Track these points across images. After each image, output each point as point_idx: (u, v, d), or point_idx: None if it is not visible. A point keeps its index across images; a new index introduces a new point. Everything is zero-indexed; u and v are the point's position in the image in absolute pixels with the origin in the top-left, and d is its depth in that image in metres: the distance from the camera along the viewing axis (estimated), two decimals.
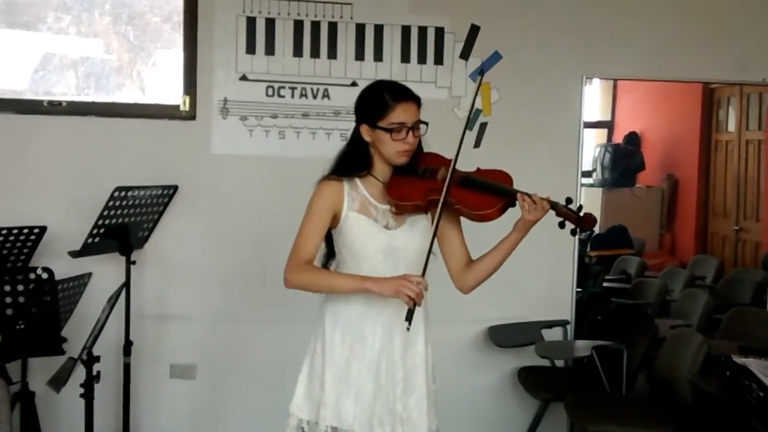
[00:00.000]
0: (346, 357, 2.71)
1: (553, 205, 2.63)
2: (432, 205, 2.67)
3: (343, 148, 2.79)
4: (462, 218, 2.76)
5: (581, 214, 2.61)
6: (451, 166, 2.67)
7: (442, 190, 2.63)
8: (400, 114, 2.64)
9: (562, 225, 2.64)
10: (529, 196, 2.62)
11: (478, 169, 2.78)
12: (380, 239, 2.69)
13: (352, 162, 2.74)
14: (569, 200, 2.65)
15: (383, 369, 2.71)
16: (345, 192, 2.70)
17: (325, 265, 2.84)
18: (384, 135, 2.65)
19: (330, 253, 2.83)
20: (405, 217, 2.73)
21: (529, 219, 2.62)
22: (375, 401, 2.70)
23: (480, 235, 2.84)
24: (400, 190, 2.70)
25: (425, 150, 2.81)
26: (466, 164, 3.27)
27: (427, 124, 2.73)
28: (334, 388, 2.70)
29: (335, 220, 2.71)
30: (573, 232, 2.64)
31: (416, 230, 2.73)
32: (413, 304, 2.53)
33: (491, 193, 2.65)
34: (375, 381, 2.71)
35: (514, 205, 2.65)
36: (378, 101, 2.66)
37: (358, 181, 2.73)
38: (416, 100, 2.70)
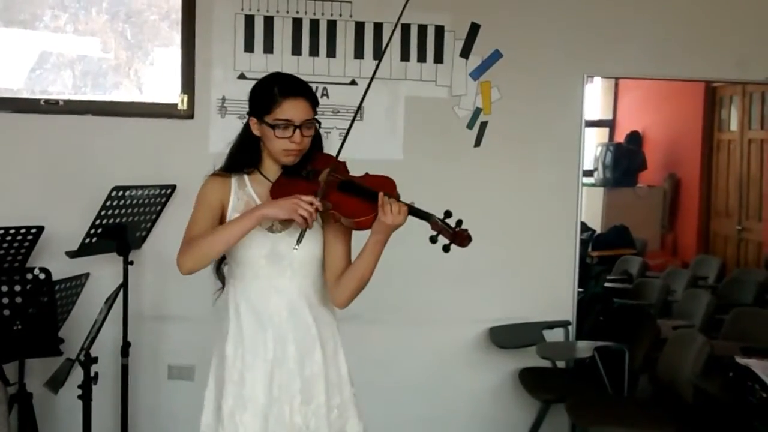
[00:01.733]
0: (239, 370, 2.58)
1: (415, 212, 2.43)
2: None
3: (234, 141, 2.67)
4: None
5: (457, 229, 2.39)
6: (329, 168, 2.51)
7: (318, 194, 2.46)
8: (286, 110, 2.48)
9: (433, 239, 2.41)
10: (389, 199, 2.41)
11: (366, 174, 2.59)
12: (263, 243, 2.54)
13: (241, 157, 2.61)
14: (448, 213, 2.42)
15: (276, 380, 2.57)
16: (232, 189, 2.58)
17: (218, 267, 2.72)
18: (269, 131, 2.50)
19: (222, 257, 2.68)
20: (292, 221, 2.52)
21: (385, 222, 2.40)
22: (269, 414, 2.56)
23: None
24: (282, 191, 2.52)
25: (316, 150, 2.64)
26: (464, 163, 3.30)
27: (319, 123, 2.58)
28: (231, 403, 2.58)
29: (223, 219, 2.58)
30: (445, 248, 2.39)
31: (306, 234, 2.50)
32: (305, 224, 2.39)
33: (369, 199, 2.45)
34: (268, 393, 2.57)
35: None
36: (266, 95, 2.51)
37: (246, 178, 2.60)
38: (309, 97, 2.53)
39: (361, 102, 2.65)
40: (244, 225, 2.46)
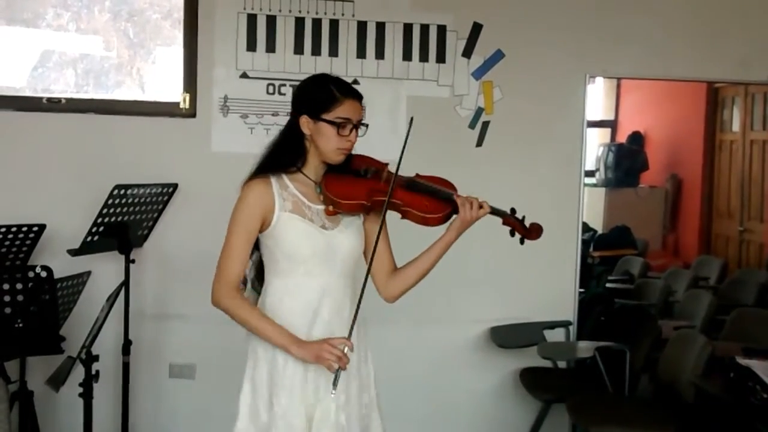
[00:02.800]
0: (290, 376, 2.56)
1: (495, 211, 2.62)
2: (377, 206, 2.57)
3: (276, 139, 2.66)
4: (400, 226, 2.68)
5: (527, 224, 2.63)
6: (396, 167, 2.59)
7: (386, 191, 2.54)
8: (347, 109, 2.54)
9: (513, 233, 2.65)
10: (467, 198, 2.59)
11: (418, 174, 2.68)
12: (318, 240, 2.55)
13: (287, 154, 2.61)
14: (513, 210, 2.66)
15: (323, 382, 2.55)
16: (275, 192, 2.56)
17: (254, 278, 2.72)
18: (328, 129, 2.53)
19: (261, 278, 2.68)
20: (339, 218, 2.59)
21: (466, 218, 2.56)
22: (314, 415, 2.56)
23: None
24: (341, 188, 2.57)
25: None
26: (466, 162, 3.28)
27: (367, 125, 2.63)
28: (284, 407, 2.56)
29: (264, 224, 2.56)
30: (521, 241, 2.64)
31: (352, 231, 2.62)
32: (337, 368, 2.40)
33: (438, 197, 2.61)
34: (316, 395, 2.56)
35: (457, 212, 2.59)
36: (326, 93, 2.55)
37: (286, 178, 2.59)
38: (361, 99, 2.60)
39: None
40: (272, 339, 2.53)
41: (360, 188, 2.58)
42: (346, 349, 2.42)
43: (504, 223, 2.62)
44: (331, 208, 2.58)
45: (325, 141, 2.55)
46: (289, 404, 2.56)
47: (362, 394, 2.68)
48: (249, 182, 2.59)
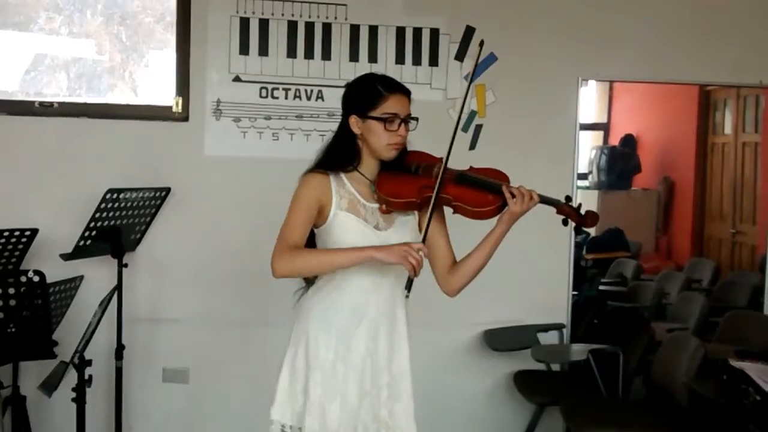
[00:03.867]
0: (332, 361, 2.64)
1: (546, 200, 2.59)
2: (427, 203, 2.59)
3: (330, 140, 2.71)
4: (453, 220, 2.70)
5: (583, 212, 2.59)
6: (444, 162, 2.62)
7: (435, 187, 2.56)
8: (393, 105, 2.59)
9: (565, 222, 2.61)
10: (517, 188, 2.58)
11: (471, 167, 2.73)
12: (372, 241, 2.59)
13: (340, 155, 2.66)
14: (569, 198, 2.61)
15: (368, 373, 2.66)
16: (333, 188, 2.62)
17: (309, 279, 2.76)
18: (376, 125, 2.58)
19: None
20: (393, 217, 2.66)
21: (516, 210, 2.55)
22: (360, 406, 2.65)
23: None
24: (393, 186, 2.62)
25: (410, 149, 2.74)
26: (458, 166, 3.23)
27: (417, 119, 2.66)
28: (319, 393, 2.63)
29: (321, 216, 2.62)
30: (576, 230, 2.68)
31: (407, 231, 2.66)
32: (413, 272, 2.45)
33: (489, 190, 2.60)
34: (360, 385, 2.65)
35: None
36: (371, 91, 2.60)
37: (344, 177, 2.65)
38: (408, 94, 2.65)
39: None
40: (350, 260, 2.54)
41: (411, 186, 2.61)
42: (421, 255, 2.46)
43: (558, 212, 2.60)
44: (384, 207, 2.63)
45: (376, 138, 2.60)
46: (324, 391, 2.63)
47: (394, 401, 2.75)
48: (308, 173, 2.64)
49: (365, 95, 2.61)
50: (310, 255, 2.59)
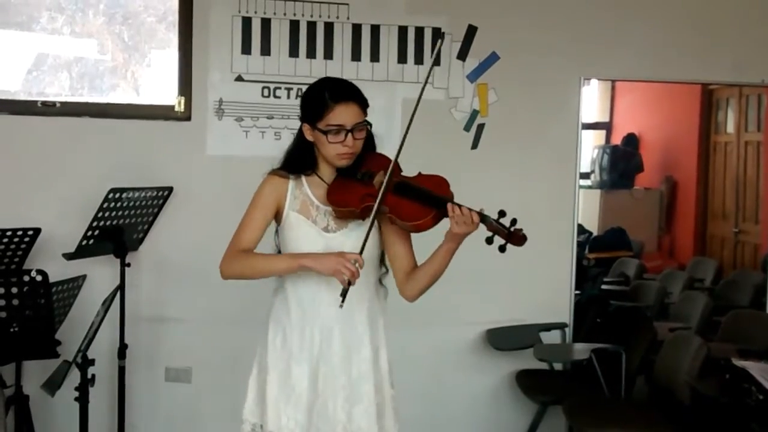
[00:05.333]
0: (286, 361, 2.64)
1: (483, 219, 2.45)
2: (367, 212, 2.54)
3: (290, 145, 2.72)
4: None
5: (512, 228, 2.43)
6: (389, 172, 2.53)
7: (377, 197, 2.50)
8: (338, 116, 2.52)
9: (489, 240, 2.44)
10: (459, 207, 2.46)
11: (420, 173, 2.63)
12: (317, 242, 2.60)
13: (296, 161, 2.66)
14: (502, 213, 2.47)
15: (321, 376, 2.63)
16: (289, 189, 2.64)
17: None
18: (322, 137, 2.55)
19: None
20: (347, 221, 2.62)
21: (457, 232, 2.46)
22: (312, 409, 2.62)
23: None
24: (339, 194, 2.59)
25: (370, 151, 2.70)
26: (461, 165, 3.27)
27: (370, 125, 2.61)
28: (275, 394, 2.64)
29: (278, 217, 2.66)
30: (501, 249, 2.42)
31: (359, 235, 2.58)
32: (347, 283, 2.43)
33: (424, 201, 2.50)
34: (313, 387, 2.63)
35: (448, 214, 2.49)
36: (317, 101, 2.55)
37: (304, 179, 2.66)
38: (358, 101, 2.57)
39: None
40: (286, 267, 2.58)
41: (355, 194, 2.57)
42: (356, 266, 2.45)
43: (488, 229, 2.47)
44: (334, 213, 2.62)
45: (324, 148, 2.58)
46: (280, 392, 2.64)
47: (377, 394, 2.70)
48: (270, 173, 2.67)
49: (312, 105, 2.58)
50: (249, 259, 2.59)
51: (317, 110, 2.55)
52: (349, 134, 2.54)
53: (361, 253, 2.48)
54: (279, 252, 2.73)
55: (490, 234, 2.45)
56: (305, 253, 2.56)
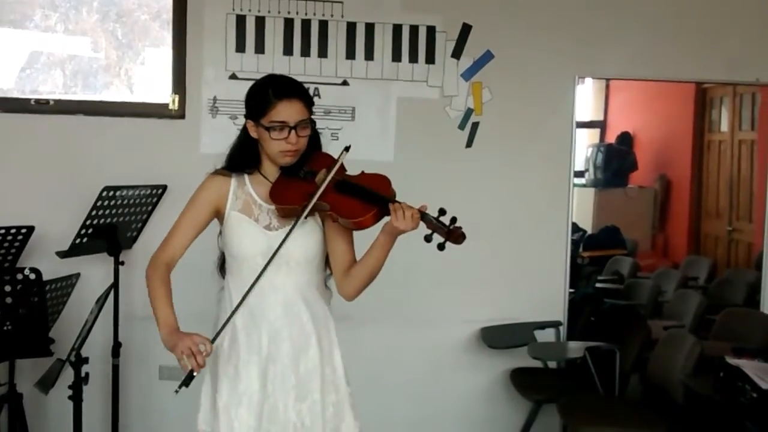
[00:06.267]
0: (234, 365, 2.60)
1: (423, 216, 2.43)
2: (310, 210, 2.54)
3: (233, 143, 2.70)
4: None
5: (452, 227, 2.39)
6: (333, 170, 2.53)
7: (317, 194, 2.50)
8: (281, 112, 2.50)
9: (428, 238, 2.41)
10: (400, 204, 2.44)
11: (362, 172, 2.62)
12: (258, 241, 2.58)
13: (240, 158, 2.65)
14: (442, 211, 2.42)
15: (270, 376, 2.59)
16: (231, 189, 2.63)
17: (221, 265, 2.77)
18: (265, 133, 2.53)
19: (223, 255, 2.73)
20: (291, 219, 2.58)
21: (397, 227, 2.42)
22: (263, 410, 2.58)
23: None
24: (280, 192, 2.58)
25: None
26: (455, 163, 3.27)
27: (314, 123, 2.61)
28: (225, 400, 2.60)
29: (220, 217, 2.64)
30: (440, 246, 2.38)
31: (302, 233, 2.58)
32: (189, 370, 2.39)
33: (365, 199, 2.48)
34: (263, 389, 2.59)
35: (389, 213, 2.47)
36: (261, 98, 2.54)
37: (246, 178, 2.64)
38: (303, 98, 2.56)
39: None
40: (157, 318, 2.56)
41: (297, 191, 2.56)
42: (203, 350, 2.40)
43: (427, 227, 2.43)
44: (277, 212, 2.60)
45: (267, 145, 2.57)
46: (230, 397, 2.61)
47: (327, 394, 2.66)
48: (211, 174, 2.67)
49: (256, 101, 2.56)
50: (153, 291, 2.59)
51: (260, 106, 2.53)
52: (293, 131, 2.52)
53: (216, 335, 2.51)
54: (222, 254, 2.73)
55: (429, 232, 2.43)
56: (170, 324, 2.52)
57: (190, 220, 2.65)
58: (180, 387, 2.42)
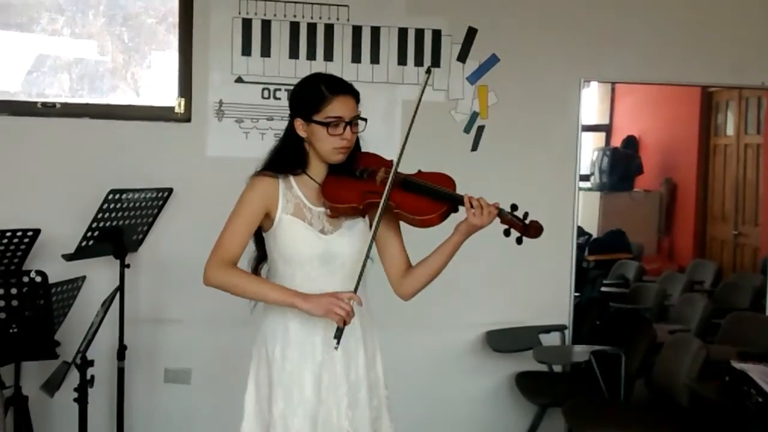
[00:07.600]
0: (288, 372, 2.59)
1: (500, 212, 2.49)
2: (370, 209, 2.54)
3: (277, 144, 2.65)
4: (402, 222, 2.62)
5: (527, 221, 2.47)
6: (393, 168, 2.54)
7: (381, 193, 2.49)
8: (337, 107, 2.50)
9: (507, 233, 2.49)
10: (477, 200, 2.49)
11: (420, 171, 2.64)
12: (316, 245, 2.55)
13: (287, 159, 2.60)
14: (515, 207, 2.51)
15: (325, 383, 2.59)
16: (280, 191, 2.57)
17: (256, 268, 2.73)
18: (320, 130, 2.51)
19: (261, 256, 2.71)
20: (341, 221, 2.59)
21: (475, 223, 2.48)
22: (318, 417, 2.58)
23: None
24: (336, 191, 2.56)
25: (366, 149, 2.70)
26: (460, 167, 3.24)
27: (365, 120, 2.59)
28: (281, 408, 2.58)
29: (268, 220, 2.58)
30: (518, 241, 2.48)
31: (354, 234, 2.60)
32: (343, 323, 2.41)
33: (433, 197, 2.51)
34: (317, 396, 2.58)
35: (456, 210, 2.52)
36: (314, 94, 2.52)
37: (292, 180, 2.60)
38: (355, 95, 2.56)
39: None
40: (280, 300, 2.51)
41: (355, 191, 2.55)
42: (353, 303, 2.44)
43: (502, 222, 2.51)
44: (329, 211, 2.58)
45: (320, 142, 2.54)
46: (286, 406, 2.58)
47: (372, 397, 2.69)
48: (257, 175, 2.60)
49: (309, 98, 2.53)
50: (245, 279, 2.55)
51: (314, 103, 2.51)
52: (348, 127, 2.52)
53: (357, 285, 2.47)
54: (259, 256, 2.71)
55: (505, 227, 2.49)
56: (298, 293, 2.49)
57: (244, 219, 2.57)
58: (337, 343, 2.42)
